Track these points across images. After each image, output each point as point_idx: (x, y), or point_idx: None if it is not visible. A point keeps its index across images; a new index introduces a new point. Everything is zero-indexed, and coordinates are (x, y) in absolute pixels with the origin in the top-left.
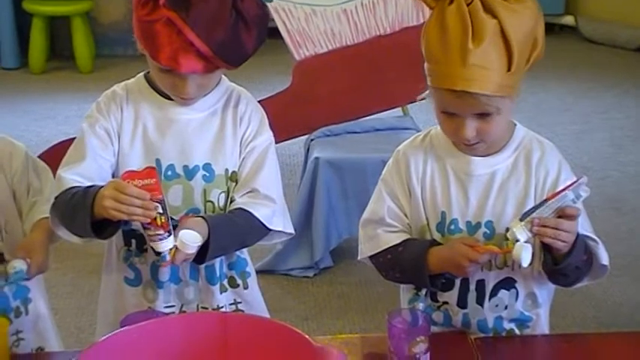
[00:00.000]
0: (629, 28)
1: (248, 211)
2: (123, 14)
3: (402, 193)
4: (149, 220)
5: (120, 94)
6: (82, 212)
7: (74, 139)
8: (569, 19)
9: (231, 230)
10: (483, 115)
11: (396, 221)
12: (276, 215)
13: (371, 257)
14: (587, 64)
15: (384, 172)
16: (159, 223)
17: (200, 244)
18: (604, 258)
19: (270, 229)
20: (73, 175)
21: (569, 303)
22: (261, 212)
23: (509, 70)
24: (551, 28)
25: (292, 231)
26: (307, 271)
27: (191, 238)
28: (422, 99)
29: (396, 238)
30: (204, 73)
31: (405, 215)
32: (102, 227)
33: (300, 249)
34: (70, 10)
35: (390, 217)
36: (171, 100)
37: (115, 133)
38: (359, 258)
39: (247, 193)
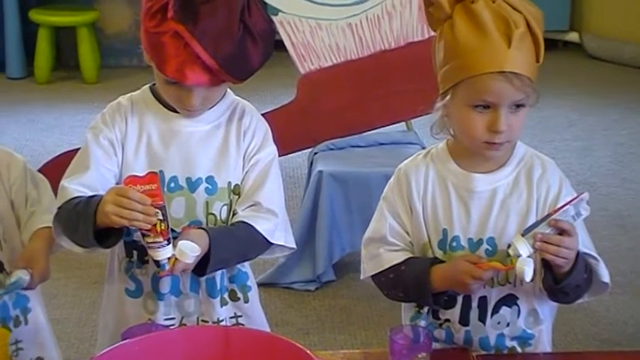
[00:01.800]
0: (634, 45)
1: (250, 225)
2: (128, 25)
3: (403, 211)
4: (149, 227)
5: (125, 105)
6: (84, 221)
7: (79, 149)
8: (573, 36)
9: (232, 243)
10: (517, 107)
11: (398, 240)
12: (278, 229)
13: (373, 277)
14: (592, 80)
15: (385, 191)
16: (159, 229)
17: (199, 254)
18: (605, 275)
19: (272, 243)
20: (77, 186)
21: (572, 320)
22: (263, 226)
23: (537, 60)
24: (555, 45)
25: (294, 245)
26: (309, 285)
27: (190, 248)
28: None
29: (398, 257)
30: (210, 86)
31: (407, 233)
32: (105, 236)
33: (302, 262)
34: (75, 21)
35: (391, 235)
36: (176, 112)
37: (119, 143)
38: (362, 277)
39: (250, 206)
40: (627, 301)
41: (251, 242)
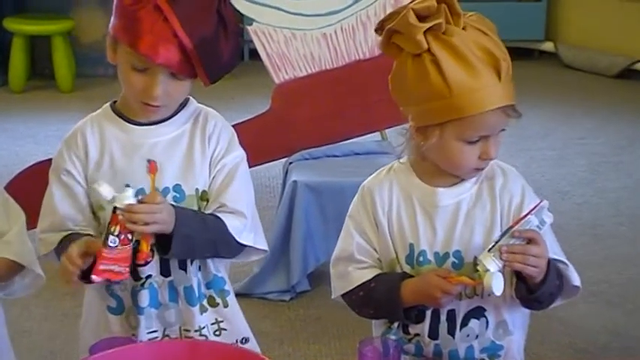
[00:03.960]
0: (609, 55)
1: (219, 218)
2: (104, 34)
3: (369, 227)
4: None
5: (81, 126)
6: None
7: (49, 160)
8: (548, 46)
9: (199, 223)
10: (500, 133)
11: (366, 257)
12: (246, 229)
13: (343, 295)
14: (567, 90)
15: (350, 209)
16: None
17: (134, 197)
18: (575, 279)
19: (240, 243)
20: (51, 234)
21: (545, 329)
22: (231, 223)
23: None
24: (531, 54)
25: (265, 247)
26: (284, 295)
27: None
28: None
29: (367, 274)
30: (179, 72)
31: (375, 250)
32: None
33: (277, 272)
34: (51, 30)
35: (359, 253)
36: (138, 124)
37: (82, 167)
38: (332, 297)
39: (216, 208)
40: (601, 310)
41: (220, 233)
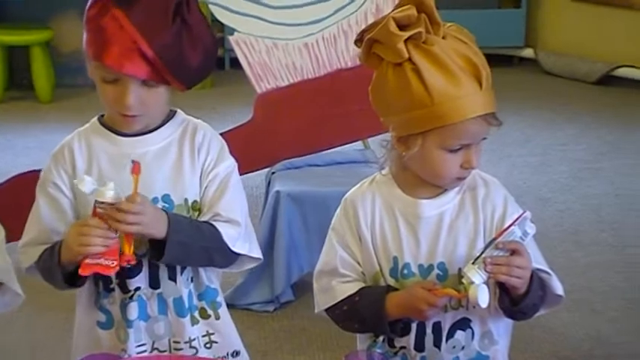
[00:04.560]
0: (588, 62)
1: (214, 226)
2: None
3: (352, 241)
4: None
5: (68, 140)
6: (52, 271)
7: (34, 171)
8: (528, 52)
9: (193, 230)
10: (481, 141)
11: (350, 270)
12: (241, 238)
13: (327, 310)
14: (547, 96)
15: (333, 222)
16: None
17: (115, 198)
18: (558, 288)
19: (234, 252)
20: (34, 247)
21: (528, 337)
22: (225, 231)
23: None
24: (511, 61)
25: (259, 256)
26: (268, 306)
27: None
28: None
29: (351, 288)
30: (149, 80)
31: (358, 263)
32: (76, 277)
33: (260, 283)
34: (29, 40)
35: (343, 267)
36: (125, 136)
37: (68, 180)
38: (316, 311)
39: (211, 217)
40: (584, 317)
41: (215, 241)
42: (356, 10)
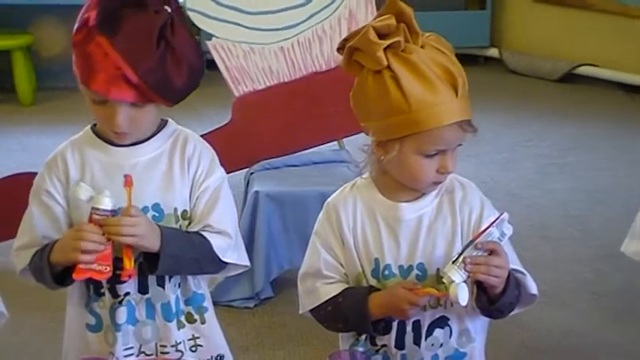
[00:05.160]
0: (551, 60)
1: (204, 237)
2: (64, 48)
3: (335, 243)
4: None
5: (61, 149)
6: (42, 271)
7: (17, 174)
8: (493, 52)
9: (185, 243)
10: (457, 147)
11: (333, 272)
12: (230, 249)
13: (312, 310)
14: (512, 94)
15: (316, 226)
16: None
17: (112, 206)
18: (533, 288)
19: (224, 262)
20: (27, 250)
21: (500, 329)
22: (216, 242)
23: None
24: (476, 60)
25: (247, 263)
26: (248, 302)
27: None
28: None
29: (334, 289)
30: (136, 103)
31: (341, 265)
32: (65, 276)
33: (240, 280)
34: (10, 44)
35: (326, 269)
36: (117, 145)
37: (61, 188)
38: (300, 312)
39: (201, 228)
40: (553, 310)
41: (204, 250)
42: (330, 16)
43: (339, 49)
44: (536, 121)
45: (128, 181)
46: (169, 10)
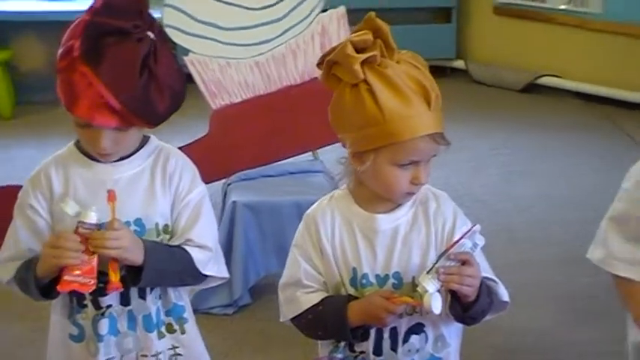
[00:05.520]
0: (514, 71)
1: (185, 250)
2: (42, 62)
3: (314, 254)
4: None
5: (46, 165)
6: (28, 283)
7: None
8: (459, 63)
9: (167, 256)
10: (430, 159)
11: (313, 282)
12: (211, 262)
13: (292, 319)
14: (478, 104)
15: (295, 237)
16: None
17: (97, 222)
18: (504, 295)
19: (204, 274)
20: (12, 262)
21: (472, 332)
22: (196, 256)
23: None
24: (443, 72)
25: (227, 275)
26: (227, 309)
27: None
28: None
29: (314, 298)
30: (119, 128)
31: (320, 274)
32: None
33: (219, 288)
34: None
35: (306, 278)
36: (100, 162)
37: (45, 203)
38: (281, 320)
39: (183, 242)
40: (521, 313)
41: (186, 264)
42: (303, 31)
43: (319, 64)
44: (500, 130)
45: (111, 196)
46: (152, 36)
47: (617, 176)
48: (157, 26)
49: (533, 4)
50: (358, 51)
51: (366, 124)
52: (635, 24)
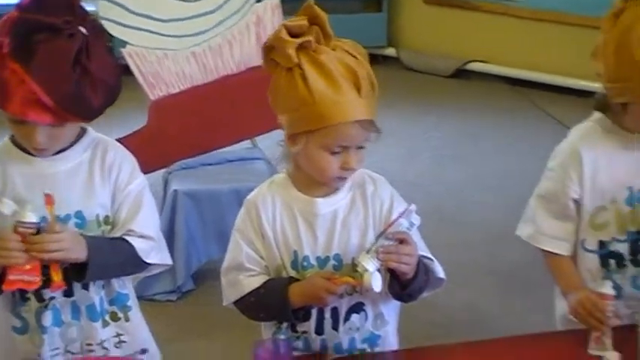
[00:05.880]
0: (444, 58)
1: (127, 241)
2: None
3: (256, 238)
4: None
5: None
6: None
7: None
8: (391, 51)
9: (110, 250)
10: (359, 147)
11: (255, 265)
12: (153, 250)
13: (235, 302)
14: (409, 90)
15: (237, 222)
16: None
17: (36, 220)
18: (440, 272)
19: (147, 263)
20: None
21: (413, 312)
22: (139, 246)
23: (375, 99)
24: (375, 59)
25: (170, 262)
26: (171, 295)
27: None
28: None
29: (256, 281)
30: (53, 124)
31: (262, 258)
32: None
33: (162, 274)
34: None
35: (248, 262)
36: (38, 156)
37: None
38: (224, 304)
39: (124, 233)
40: (454, 290)
41: (129, 255)
42: (238, 21)
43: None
44: (431, 115)
45: (49, 200)
46: (84, 31)
47: (542, 156)
48: (89, 20)
49: None
50: (294, 36)
51: (298, 107)
52: (554, 10)
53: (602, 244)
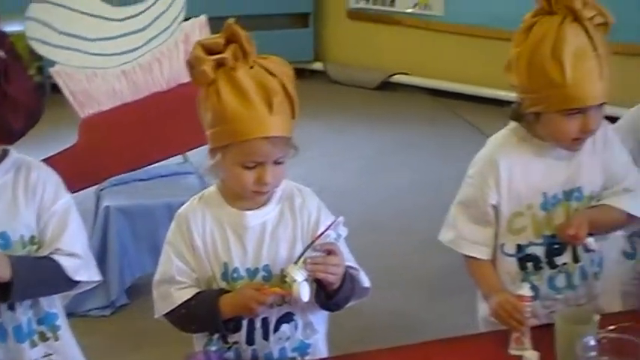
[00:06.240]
0: (369, 71)
1: (55, 260)
2: None
3: (186, 251)
4: None
5: None
6: None
7: None
8: (318, 65)
9: (35, 269)
10: (277, 163)
11: (185, 278)
12: (81, 268)
13: (166, 315)
14: (336, 102)
15: (168, 235)
16: None
17: None
18: (365, 281)
19: (76, 281)
20: None
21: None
22: (66, 264)
23: (293, 117)
24: (302, 73)
25: (99, 278)
26: (104, 311)
27: None
28: None
29: (187, 294)
30: None
31: (193, 271)
32: None
33: (96, 290)
34: None
35: (179, 275)
36: None
37: None
38: (156, 316)
39: (51, 252)
40: (380, 295)
41: (55, 273)
42: (167, 39)
43: None
44: (357, 127)
45: None
46: (2, 54)
47: (463, 164)
48: (7, 43)
49: (383, 8)
50: (211, 53)
51: (213, 123)
52: (472, 25)
53: (519, 247)
